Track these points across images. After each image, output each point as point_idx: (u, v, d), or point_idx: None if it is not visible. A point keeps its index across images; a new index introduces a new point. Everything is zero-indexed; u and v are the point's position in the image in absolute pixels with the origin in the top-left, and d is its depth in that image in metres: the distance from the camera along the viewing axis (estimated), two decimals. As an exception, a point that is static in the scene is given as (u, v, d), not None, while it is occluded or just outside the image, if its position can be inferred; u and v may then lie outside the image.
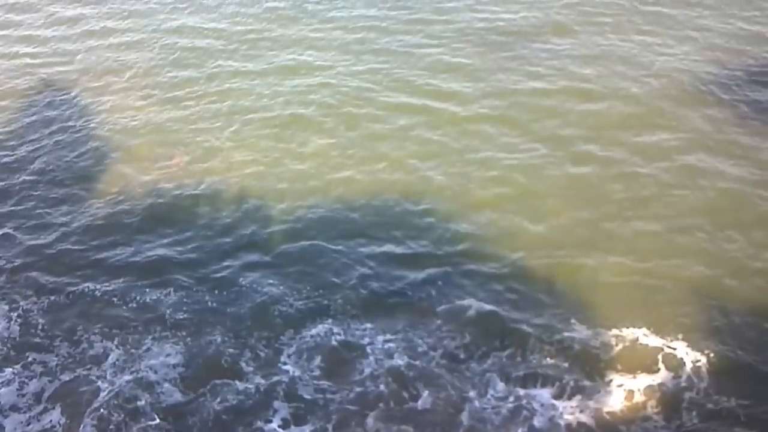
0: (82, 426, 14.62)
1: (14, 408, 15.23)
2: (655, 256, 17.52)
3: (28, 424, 14.90)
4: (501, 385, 15.10)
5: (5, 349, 16.41)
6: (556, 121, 21.84)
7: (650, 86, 23.11)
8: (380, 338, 16.07)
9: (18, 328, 16.88)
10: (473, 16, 27.32)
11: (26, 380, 15.68)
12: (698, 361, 15.30)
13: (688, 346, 15.59)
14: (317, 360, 15.65)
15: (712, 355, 15.36)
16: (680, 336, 15.78)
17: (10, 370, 15.90)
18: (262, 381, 15.24)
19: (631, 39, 25.42)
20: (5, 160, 22.21)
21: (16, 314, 17.20)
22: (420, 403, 14.86)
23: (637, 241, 17.94)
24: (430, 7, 28.18)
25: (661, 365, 15.32)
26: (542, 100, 22.72)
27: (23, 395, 15.40)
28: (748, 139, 20.81)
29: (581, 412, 14.63)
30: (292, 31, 27.39)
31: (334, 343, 16.01)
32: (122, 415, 14.77)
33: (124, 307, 17.13)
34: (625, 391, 14.95)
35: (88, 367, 15.86)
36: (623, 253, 17.66)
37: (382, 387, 15.13)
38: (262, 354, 15.83)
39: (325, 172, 20.60)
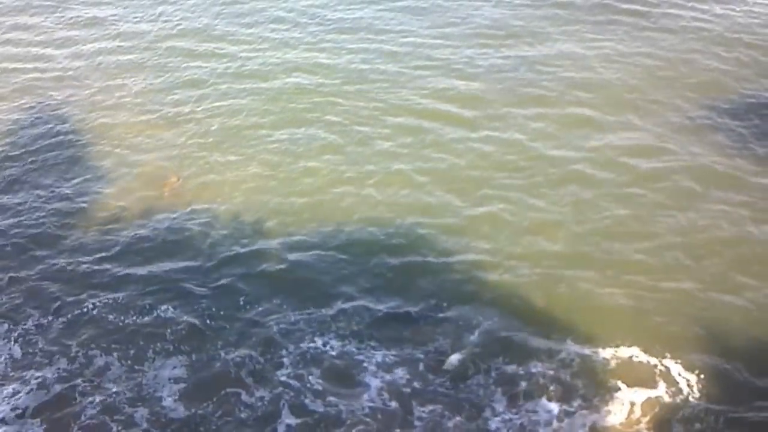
0: None
1: (8, 422, 15.24)
2: (650, 274, 17.79)
3: None
4: (501, 401, 15.28)
5: (4, 365, 16.44)
6: (553, 142, 22.19)
7: (651, 112, 23.47)
8: (379, 353, 16.22)
9: (17, 344, 16.92)
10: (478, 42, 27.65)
11: (24, 396, 15.70)
12: (692, 376, 15.50)
13: (682, 362, 15.77)
14: (317, 374, 15.78)
15: (706, 370, 15.57)
16: (675, 352, 15.96)
17: (9, 385, 15.95)
18: (264, 394, 15.36)
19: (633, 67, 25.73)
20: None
21: (15, 331, 17.26)
22: (420, 418, 15.01)
23: (633, 260, 18.19)
24: (430, 32, 28.45)
25: (656, 380, 15.57)
26: (543, 124, 23.04)
27: (20, 410, 15.42)
28: (744, 163, 21.16)
29: (580, 426, 14.82)
30: (288, 53, 27.67)
31: (333, 356, 16.16)
32: (122, 430, 14.85)
33: (123, 323, 17.16)
34: (621, 406, 15.12)
35: (88, 381, 15.90)
36: (619, 272, 17.88)
37: (381, 401, 15.26)
38: (263, 367, 15.96)
39: (323, 189, 20.79)
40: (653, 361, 15.93)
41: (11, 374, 16.19)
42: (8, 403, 15.52)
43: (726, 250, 18.37)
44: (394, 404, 15.21)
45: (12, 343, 16.91)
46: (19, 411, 15.34)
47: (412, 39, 27.79)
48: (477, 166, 21.43)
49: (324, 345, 16.41)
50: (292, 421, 14.92)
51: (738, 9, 28.39)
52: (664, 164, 21.22)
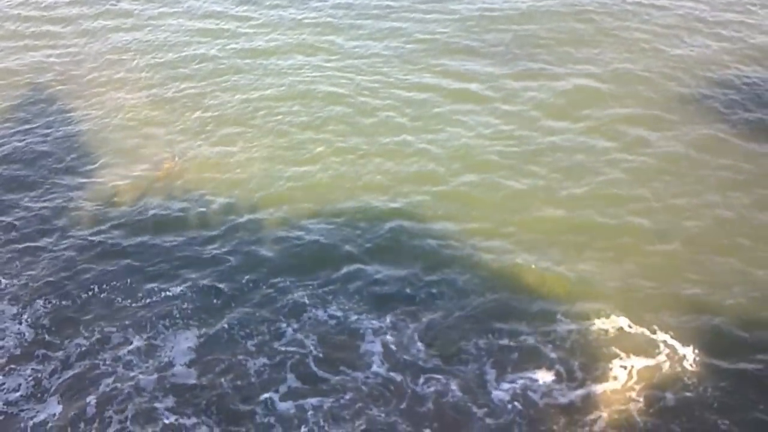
0: (101, 409, 15.69)
1: (28, 399, 16.03)
2: (640, 252, 18.43)
3: (43, 412, 15.76)
4: (495, 371, 15.95)
5: (19, 347, 17.14)
6: (549, 113, 23.02)
7: (646, 84, 24.35)
8: (376, 328, 17.02)
9: (29, 327, 17.58)
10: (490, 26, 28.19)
11: (43, 372, 16.49)
12: (685, 341, 16.15)
13: (675, 327, 16.45)
14: (318, 342, 16.78)
15: (699, 334, 16.28)
16: (667, 317, 16.66)
17: (26, 366, 16.72)
18: (269, 361, 16.48)
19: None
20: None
21: (26, 315, 17.91)
22: (417, 386, 15.83)
23: (623, 238, 18.81)
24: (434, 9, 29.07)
25: (649, 348, 16.18)
26: (540, 95, 23.83)
27: (39, 387, 16.18)
28: (732, 130, 22.00)
29: (575, 394, 15.44)
30: (291, 37, 28.15)
31: (332, 326, 17.11)
32: (139, 395, 15.90)
33: (130, 302, 17.99)
34: (614, 374, 15.74)
35: (101, 356, 16.78)
36: (609, 249, 18.54)
37: (379, 369, 16.16)
38: (267, 337, 16.99)
39: (321, 173, 21.41)
40: (646, 328, 16.57)
41: (26, 354, 17.01)
42: (27, 381, 16.39)
43: (712, 213, 19.31)
44: (391, 373, 16.12)
45: (22, 325, 17.67)
46: (38, 388, 16.19)
47: (417, 15, 28.85)
48: (476, 136, 22.24)
49: (324, 315, 17.46)
50: (296, 384, 16.02)
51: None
52: (656, 133, 22.20)
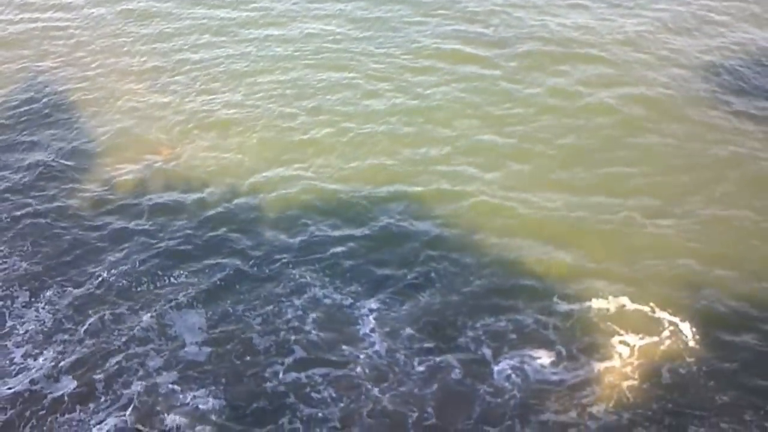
0: (113, 386, 16.32)
1: (48, 379, 16.55)
2: (639, 230, 18.84)
3: (60, 389, 16.32)
4: (494, 350, 16.31)
5: (34, 328, 17.65)
6: (558, 105, 23.19)
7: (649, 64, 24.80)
8: (376, 308, 17.50)
9: (42, 310, 18.05)
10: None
11: (58, 352, 17.07)
12: (681, 324, 16.47)
13: (671, 311, 16.76)
14: (319, 321, 17.33)
15: (694, 318, 16.62)
16: (663, 302, 16.96)
17: (43, 346, 17.27)
18: (274, 338, 17.08)
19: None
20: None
21: (35, 297, 18.40)
22: (416, 369, 16.22)
23: (621, 217, 19.19)
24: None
25: (649, 326, 16.54)
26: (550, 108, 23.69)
27: (57, 365, 16.74)
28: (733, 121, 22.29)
29: (575, 373, 15.79)
30: (291, 22, 28.52)
31: (331, 308, 17.60)
32: (150, 372, 16.51)
33: (138, 287, 18.45)
34: (614, 353, 16.08)
35: (112, 338, 17.30)
36: (607, 228, 18.93)
37: (377, 349, 16.64)
38: (270, 316, 17.54)
39: (322, 155, 21.80)
40: (646, 305, 16.90)
41: (42, 334, 17.58)
42: (44, 361, 16.96)
43: (711, 191, 19.77)
44: (390, 351, 16.57)
45: (37, 311, 18.16)
46: (55, 368, 16.75)
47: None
48: (476, 117, 22.69)
49: (324, 294, 17.96)
50: (299, 361, 16.59)
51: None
52: (656, 113, 22.67)
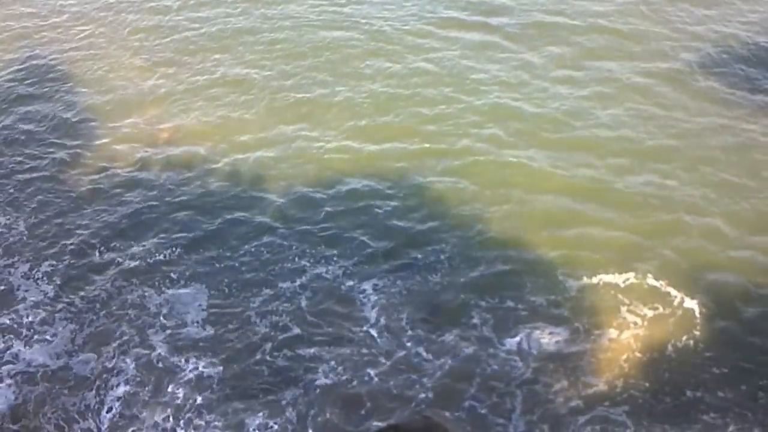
0: (115, 360, 16.50)
1: (59, 356, 16.72)
2: (644, 208, 18.80)
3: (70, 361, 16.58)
4: (501, 330, 16.24)
5: (42, 310, 17.70)
6: (561, 98, 22.84)
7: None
8: (379, 286, 17.45)
9: (43, 283, 18.22)
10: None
11: (61, 327, 17.22)
12: (685, 299, 16.46)
13: (675, 287, 16.76)
14: (318, 302, 17.28)
15: (699, 294, 16.60)
16: (668, 279, 16.93)
17: (46, 322, 17.45)
18: (273, 317, 17.10)
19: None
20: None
21: (36, 271, 18.56)
22: (421, 347, 16.18)
23: (625, 196, 19.14)
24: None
25: (650, 305, 16.49)
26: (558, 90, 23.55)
27: (63, 341, 16.95)
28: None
29: (577, 351, 15.75)
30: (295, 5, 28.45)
31: (333, 288, 17.56)
32: (151, 347, 16.70)
33: (138, 264, 18.55)
34: (620, 330, 16.06)
35: (118, 314, 17.48)
36: (611, 207, 18.87)
37: (378, 330, 16.58)
38: (268, 297, 17.57)
39: (322, 142, 21.63)
40: (650, 281, 16.90)
41: (44, 309, 17.73)
42: (50, 336, 17.15)
43: (716, 172, 19.69)
44: (392, 331, 16.53)
45: (37, 284, 18.29)
46: (59, 343, 16.95)
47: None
48: (486, 94, 22.61)
49: (326, 274, 17.94)
50: (300, 332, 16.71)
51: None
52: (666, 90, 22.59)
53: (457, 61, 24.31)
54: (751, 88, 22.52)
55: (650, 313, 16.25)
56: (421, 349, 16.04)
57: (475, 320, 16.44)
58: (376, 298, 17.15)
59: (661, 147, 20.46)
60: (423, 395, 15.24)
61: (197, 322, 17.00)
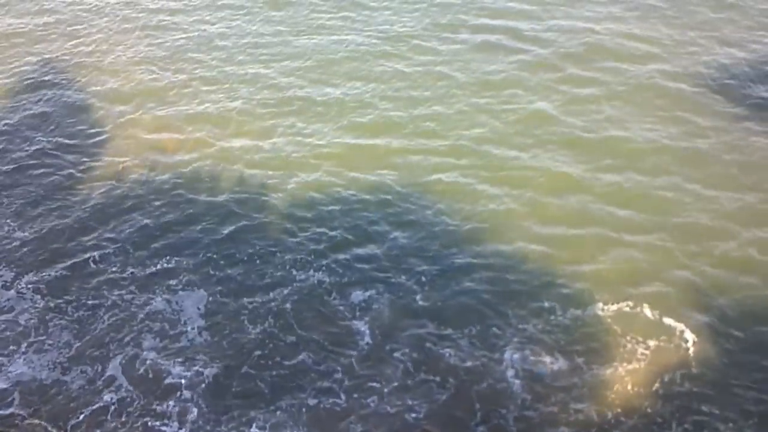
0: (113, 362, 16.72)
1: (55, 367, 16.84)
2: (642, 236, 18.58)
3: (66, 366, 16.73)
4: (496, 352, 16.17)
5: (36, 320, 17.79)
6: (554, 126, 22.45)
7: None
8: (376, 299, 17.50)
9: (45, 300, 18.21)
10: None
11: (61, 338, 17.35)
12: (683, 330, 16.37)
13: (673, 317, 16.62)
14: (314, 311, 17.39)
15: (696, 324, 16.47)
16: (666, 308, 16.80)
17: (41, 330, 17.52)
18: (270, 321, 17.27)
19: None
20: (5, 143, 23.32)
21: (28, 278, 18.70)
22: (417, 365, 16.17)
23: (624, 223, 18.93)
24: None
25: (647, 335, 16.35)
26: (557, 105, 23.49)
27: (58, 350, 17.08)
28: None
29: (573, 377, 15.70)
30: (300, 16, 28.36)
31: (327, 298, 17.62)
32: (146, 351, 16.86)
33: (135, 271, 18.66)
34: (617, 358, 15.95)
35: (111, 318, 17.65)
36: (611, 234, 18.71)
37: (376, 344, 16.62)
38: (262, 303, 17.70)
39: (324, 157, 21.58)
40: (648, 311, 16.75)
41: (38, 317, 17.87)
42: (44, 345, 17.26)
43: (714, 198, 19.49)
44: (388, 346, 16.59)
45: (38, 295, 18.40)
46: (52, 351, 17.08)
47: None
48: (482, 144, 21.97)
49: (319, 282, 18.00)
50: (294, 338, 16.83)
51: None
52: (669, 120, 22.26)
53: (467, 64, 24.32)
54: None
55: (650, 342, 16.14)
56: (411, 366, 16.01)
57: (476, 340, 16.41)
58: (366, 311, 17.14)
59: (661, 169, 20.32)
60: (414, 415, 15.24)
61: (191, 327, 17.15)
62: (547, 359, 16.01)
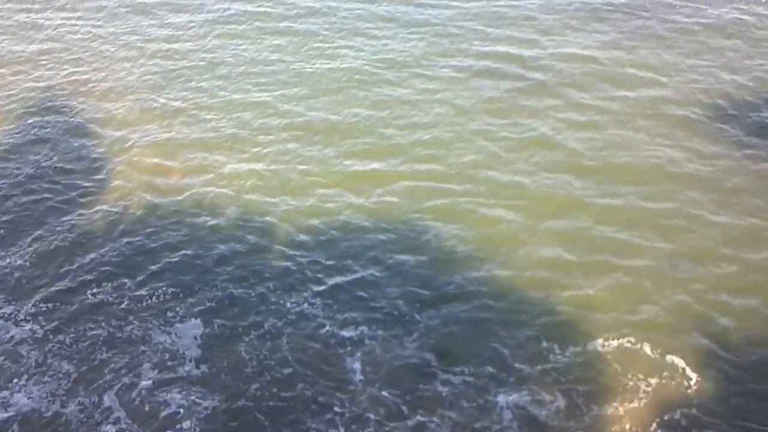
0: (109, 392, 16.48)
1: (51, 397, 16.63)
2: (648, 266, 18.36)
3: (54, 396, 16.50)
4: (493, 388, 15.91)
5: (35, 351, 17.58)
6: (554, 151, 22.30)
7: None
8: (374, 334, 17.21)
9: (42, 329, 17.95)
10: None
11: (59, 369, 17.09)
12: (684, 367, 16.06)
13: (674, 354, 16.32)
14: (313, 348, 17.08)
15: (697, 361, 16.18)
16: (666, 345, 16.50)
17: (43, 368, 17.27)
18: (266, 348, 17.14)
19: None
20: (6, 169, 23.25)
21: (26, 307, 18.47)
22: (412, 400, 15.92)
23: (629, 253, 18.70)
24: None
25: (648, 372, 16.06)
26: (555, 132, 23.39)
27: (56, 381, 16.83)
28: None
29: (572, 416, 15.36)
30: (301, 43, 28.50)
31: (324, 332, 17.37)
32: (143, 380, 16.67)
33: (132, 304, 18.41)
34: (617, 397, 15.64)
35: (109, 344, 17.47)
36: (618, 261, 18.47)
37: (372, 379, 16.36)
38: (266, 324, 17.62)
39: (324, 184, 21.46)
40: (648, 347, 16.43)
41: (35, 344, 17.69)
42: (44, 376, 17.06)
43: (713, 228, 19.28)
44: (386, 382, 16.31)
45: (37, 325, 18.19)
46: (56, 387, 16.80)
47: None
48: (479, 167, 21.86)
49: (315, 316, 17.77)
50: (290, 370, 16.63)
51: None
52: (668, 146, 22.15)
53: (468, 90, 24.44)
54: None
55: (650, 380, 15.85)
56: (404, 407, 15.74)
57: (471, 377, 16.07)
58: (360, 345, 16.90)
59: (664, 194, 20.21)
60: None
61: (187, 357, 16.96)
62: (546, 398, 15.70)
